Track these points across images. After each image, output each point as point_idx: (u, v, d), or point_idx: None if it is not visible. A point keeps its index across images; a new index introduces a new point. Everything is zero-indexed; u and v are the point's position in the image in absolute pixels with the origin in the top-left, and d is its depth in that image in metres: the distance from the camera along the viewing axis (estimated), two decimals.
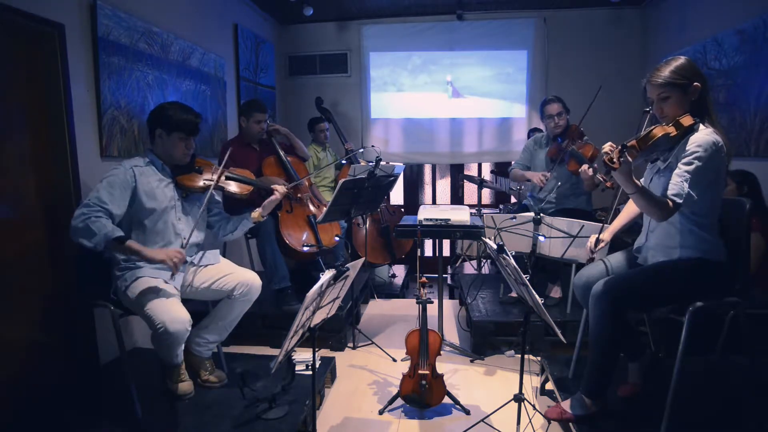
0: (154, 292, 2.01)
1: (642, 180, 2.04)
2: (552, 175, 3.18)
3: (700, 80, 1.79)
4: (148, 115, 2.20)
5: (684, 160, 1.73)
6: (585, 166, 2.57)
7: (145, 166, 2.16)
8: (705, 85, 1.81)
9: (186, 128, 2.15)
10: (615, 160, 1.62)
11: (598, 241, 2.08)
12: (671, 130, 1.76)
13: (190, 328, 2.01)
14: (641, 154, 1.77)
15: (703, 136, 1.74)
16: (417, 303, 2.37)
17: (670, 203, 1.73)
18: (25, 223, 2.27)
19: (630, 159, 1.68)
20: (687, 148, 1.74)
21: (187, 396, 2.18)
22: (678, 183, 1.72)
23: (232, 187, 2.41)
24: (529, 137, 4.33)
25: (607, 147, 1.70)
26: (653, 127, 1.78)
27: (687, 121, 1.77)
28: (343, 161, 4.45)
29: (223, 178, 2.33)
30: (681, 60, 1.81)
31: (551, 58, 5.09)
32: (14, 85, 2.21)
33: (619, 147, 1.66)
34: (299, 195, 3.40)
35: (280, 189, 2.48)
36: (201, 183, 2.28)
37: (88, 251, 2.16)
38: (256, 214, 2.42)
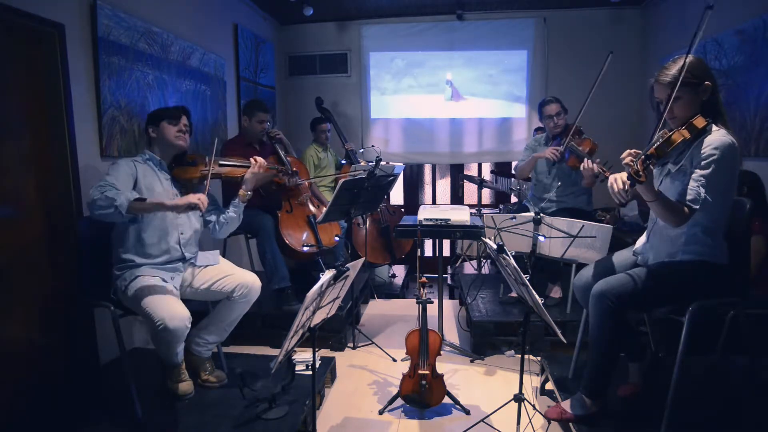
0: (154, 291, 2.02)
1: None
2: (552, 174, 3.18)
3: (710, 79, 1.75)
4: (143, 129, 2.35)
5: (701, 165, 1.69)
6: (586, 161, 2.56)
7: (143, 163, 2.22)
8: (715, 85, 1.77)
9: (169, 114, 2.26)
10: (641, 173, 1.54)
11: (643, 168, 1.61)
12: (687, 135, 1.70)
13: (189, 325, 2.02)
14: (660, 160, 1.73)
15: (719, 137, 1.69)
16: (417, 303, 2.37)
17: (686, 209, 1.70)
18: (25, 223, 2.27)
19: (652, 168, 1.63)
20: (703, 151, 1.70)
21: (187, 396, 2.19)
22: (695, 188, 1.69)
23: (229, 171, 2.43)
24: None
25: (627, 159, 1.62)
26: (671, 132, 1.71)
27: (700, 122, 1.72)
28: (343, 161, 4.45)
29: (216, 165, 2.36)
30: (690, 58, 1.74)
31: (551, 58, 5.08)
32: (14, 85, 2.21)
33: (642, 157, 1.58)
34: (299, 198, 3.40)
35: (256, 160, 2.44)
36: (197, 174, 2.31)
37: (87, 251, 2.18)
38: (241, 191, 2.40)
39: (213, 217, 2.42)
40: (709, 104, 1.77)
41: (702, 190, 1.68)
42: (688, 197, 1.70)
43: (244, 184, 2.40)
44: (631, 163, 1.59)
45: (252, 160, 2.43)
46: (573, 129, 3.13)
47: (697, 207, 1.69)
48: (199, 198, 2.01)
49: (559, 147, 3.08)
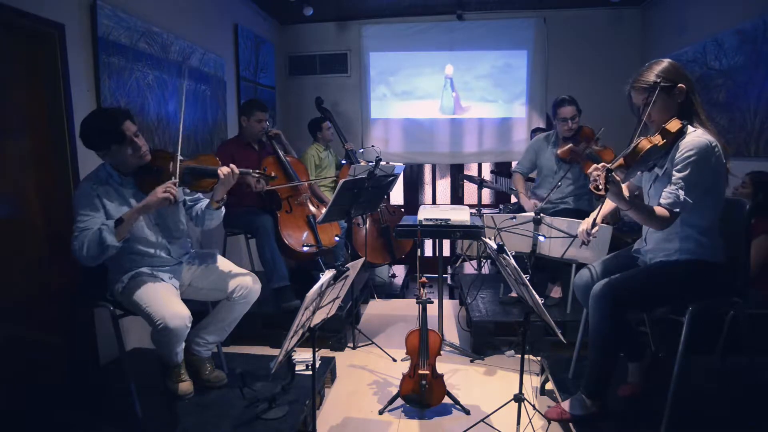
0: (153, 290, 2.02)
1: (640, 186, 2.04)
2: (559, 175, 3.13)
3: (684, 81, 1.77)
4: (83, 141, 2.00)
5: (677, 167, 1.72)
6: None
7: (104, 185, 2.03)
8: (690, 86, 1.79)
9: (116, 137, 1.95)
10: (601, 186, 1.59)
11: (594, 223, 1.96)
12: (658, 140, 1.74)
13: (190, 325, 2.01)
14: (633, 168, 1.75)
15: (694, 138, 1.72)
16: (417, 303, 2.37)
17: (667, 213, 1.72)
18: (25, 223, 2.27)
19: (618, 179, 1.66)
20: (679, 154, 1.72)
21: (187, 396, 2.18)
22: (673, 191, 1.71)
23: (197, 184, 2.13)
24: (531, 137, 4.32)
25: (594, 172, 1.65)
26: (639, 140, 1.75)
27: (674, 126, 1.75)
28: (343, 161, 4.45)
29: (183, 170, 2.05)
30: (664, 63, 1.79)
31: (551, 58, 5.08)
32: (14, 85, 2.21)
33: (605, 172, 1.61)
34: (299, 198, 3.40)
35: (223, 170, 2.09)
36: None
37: None
38: (212, 202, 2.17)
39: (196, 211, 2.29)
40: (685, 106, 1.79)
41: (681, 193, 1.69)
42: (666, 201, 1.72)
43: (213, 194, 2.15)
44: (596, 177, 1.62)
45: (220, 172, 2.08)
46: (587, 133, 3.11)
47: (678, 210, 1.71)
48: (167, 189, 1.90)
49: (539, 204, 2.97)
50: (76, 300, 2.38)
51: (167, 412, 2.09)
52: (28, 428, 2.08)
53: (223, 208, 2.25)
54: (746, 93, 3.25)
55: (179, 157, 2.05)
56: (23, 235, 2.25)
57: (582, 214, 3.04)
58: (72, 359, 2.47)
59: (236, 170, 2.12)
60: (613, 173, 1.62)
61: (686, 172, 1.70)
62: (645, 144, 1.73)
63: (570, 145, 3.15)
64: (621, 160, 1.72)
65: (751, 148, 3.21)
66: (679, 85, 1.76)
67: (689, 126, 1.77)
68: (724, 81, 3.46)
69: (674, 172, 1.73)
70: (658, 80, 1.75)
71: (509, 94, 5.23)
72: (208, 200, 2.22)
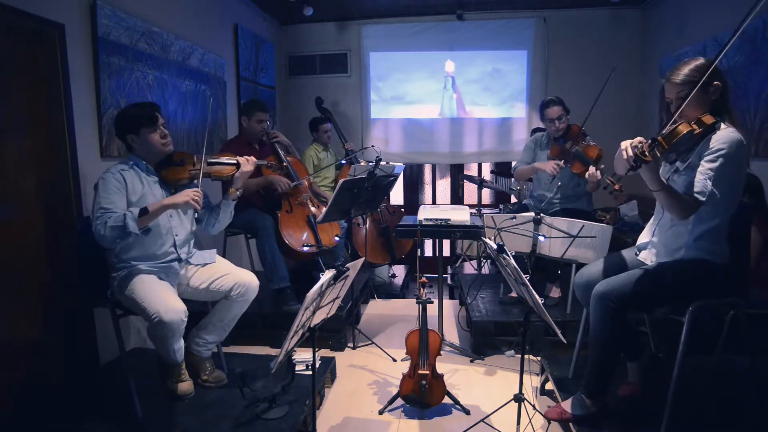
0: (149, 286, 2.03)
1: None
2: (554, 176, 3.15)
3: (720, 79, 1.77)
4: (114, 130, 2.25)
5: (708, 158, 1.71)
6: (592, 169, 2.53)
7: (130, 170, 2.16)
8: (725, 85, 1.78)
9: (148, 120, 2.15)
10: (647, 153, 1.59)
11: (644, 152, 1.66)
12: (695, 128, 1.73)
13: (185, 319, 2.01)
14: (667, 150, 1.75)
15: (728, 133, 1.71)
16: (417, 303, 2.37)
17: (693, 201, 1.71)
18: (25, 223, 2.27)
19: (658, 154, 1.64)
20: (711, 146, 1.72)
21: (187, 396, 2.19)
22: (701, 180, 1.70)
23: (218, 170, 2.34)
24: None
25: (636, 140, 1.66)
26: (679, 123, 1.74)
27: (709, 119, 1.74)
28: (343, 161, 4.45)
29: (205, 164, 2.25)
30: (701, 60, 1.78)
31: (551, 58, 5.09)
32: (14, 85, 2.21)
33: (650, 141, 1.62)
34: (299, 198, 3.40)
35: (244, 158, 2.36)
36: (186, 174, 2.25)
37: (87, 251, 2.17)
38: (231, 190, 2.34)
39: (200, 214, 2.37)
40: (718, 104, 1.79)
41: (709, 183, 1.69)
42: (696, 189, 1.70)
43: (233, 182, 2.33)
44: (639, 144, 1.62)
45: (243, 159, 2.35)
46: (575, 132, 3.11)
47: (704, 199, 1.69)
48: (194, 197, 2.02)
49: (561, 162, 3.04)
50: (75, 300, 2.38)
51: (167, 412, 2.09)
52: (27, 428, 2.08)
53: (233, 210, 2.39)
54: (746, 93, 3.25)
55: (204, 155, 2.22)
56: (23, 235, 2.25)
57: (581, 214, 3.05)
58: (72, 359, 2.46)
59: (255, 161, 2.38)
60: (656, 145, 1.62)
61: (716, 164, 1.69)
62: (684, 127, 1.71)
63: (558, 144, 3.16)
64: (660, 138, 1.70)
65: (751, 148, 3.21)
66: (716, 82, 1.75)
67: (722, 123, 1.77)
68: None
69: (704, 163, 1.71)
70: (696, 76, 1.72)
71: (509, 94, 5.23)
72: (215, 210, 2.37)
